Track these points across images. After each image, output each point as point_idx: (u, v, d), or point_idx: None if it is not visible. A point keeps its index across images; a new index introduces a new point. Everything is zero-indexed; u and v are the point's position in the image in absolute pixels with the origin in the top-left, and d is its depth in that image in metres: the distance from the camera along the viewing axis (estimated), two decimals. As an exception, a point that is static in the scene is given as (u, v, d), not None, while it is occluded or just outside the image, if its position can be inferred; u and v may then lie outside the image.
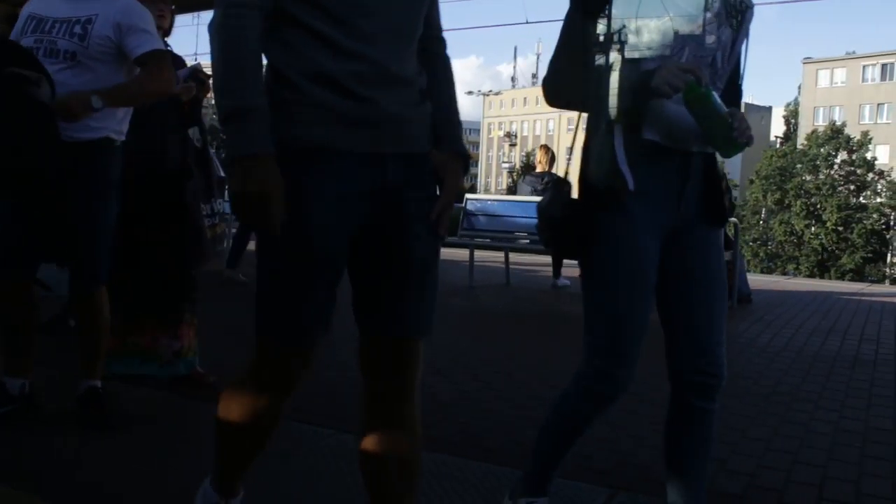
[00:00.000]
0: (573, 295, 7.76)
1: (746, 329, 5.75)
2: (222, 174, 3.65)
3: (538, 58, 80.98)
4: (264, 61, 1.49)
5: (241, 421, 1.68)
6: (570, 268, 8.70)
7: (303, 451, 2.73)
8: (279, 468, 2.53)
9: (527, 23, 26.66)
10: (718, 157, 1.93)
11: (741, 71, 1.94)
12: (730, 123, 1.74)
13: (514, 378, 3.97)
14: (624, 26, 1.77)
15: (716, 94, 1.74)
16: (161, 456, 2.57)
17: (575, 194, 1.95)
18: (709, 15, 1.74)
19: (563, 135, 70.27)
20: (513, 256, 8.59)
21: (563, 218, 1.90)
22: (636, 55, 1.76)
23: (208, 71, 3.26)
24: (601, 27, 1.80)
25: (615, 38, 1.77)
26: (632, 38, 1.75)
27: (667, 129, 1.80)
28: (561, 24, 1.91)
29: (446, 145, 1.70)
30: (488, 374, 4.02)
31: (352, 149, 1.49)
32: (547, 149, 8.23)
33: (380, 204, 1.54)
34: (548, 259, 8.53)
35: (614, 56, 1.77)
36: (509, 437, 2.98)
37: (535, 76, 79.87)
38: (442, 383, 3.70)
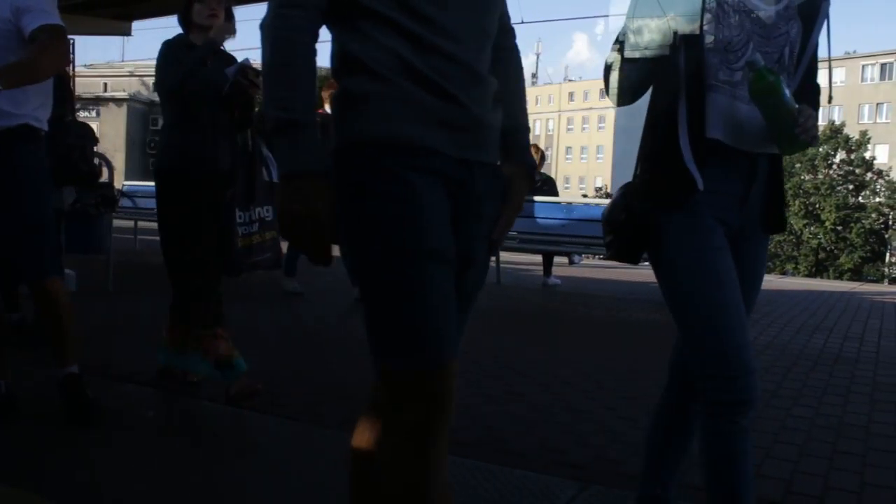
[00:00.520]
0: (564, 294, 7.80)
1: (733, 327, 5.80)
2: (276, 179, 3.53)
3: (538, 57, 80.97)
4: (324, 64, 1.38)
5: (411, 488, 1.36)
6: (561, 266, 8.76)
7: (308, 454, 2.77)
8: (288, 470, 2.57)
9: (522, 22, 26.63)
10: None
11: (829, 68, 1.84)
12: (795, 118, 1.67)
13: (501, 375, 4.02)
14: (623, 25, 1.73)
15: (786, 86, 1.68)
16: (161, 454, 2.61)
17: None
18: (708, 15, 1.70)
19: (563, 135, 70.19)
20: (504, 255, 8.63)
21: (623, 221, 1.84)
22: (636, 55, 1.73)
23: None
24: (601, 27, 1.78)
25: (615, 37, 1.74)
26: (632, 38, 1.72)
27: (731, 127, 1.73)
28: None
29: (516, 156, 1.56)
30: (474, 370, 4.06)
31: (444, 150, 1.37)
32: (536, 148, 8.26)
33: (456, 217, 1.41)
34: (539, 258, 8.57)
35: (613, 56, 1.75)
36: (486, 432, 3.02)
37: (534, 76, 79.75)
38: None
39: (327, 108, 6.03)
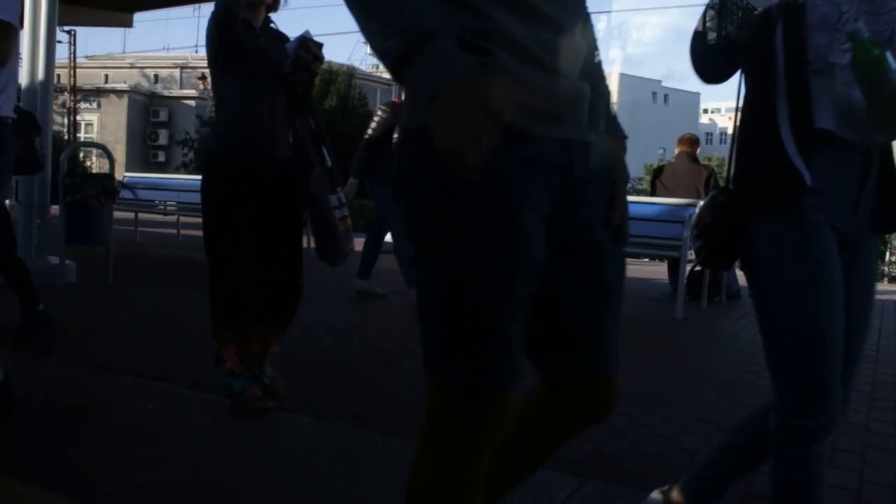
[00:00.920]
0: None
1: (732, 324, 5.81)
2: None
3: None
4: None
5: None
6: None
7: (309, 453, 2.77)
8: (288, 468, 2.58)
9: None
10: None
11: None
12: None
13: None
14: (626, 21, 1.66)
15: (893, 60, 1.50)
16: (161, 447, 2.60)
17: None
18: (711, 12, 1.61)
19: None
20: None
21: (711, 225, 1.68)
22: (640, 51, 1.71)
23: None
24: (603, 23, 1.68)
25: (616, 33, 1.69)
26: (635, 34, 1.69)
27: (844, 116, 1.55)
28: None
29: (606, 126, 1.34)
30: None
31: (543, 132, 1.18)
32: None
33: (563, 206, 1.22)
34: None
35: (615, 52, 1.71)
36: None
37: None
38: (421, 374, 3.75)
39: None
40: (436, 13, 1.05)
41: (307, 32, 2.86)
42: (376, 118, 5.98)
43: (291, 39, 2.96)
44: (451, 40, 1.04)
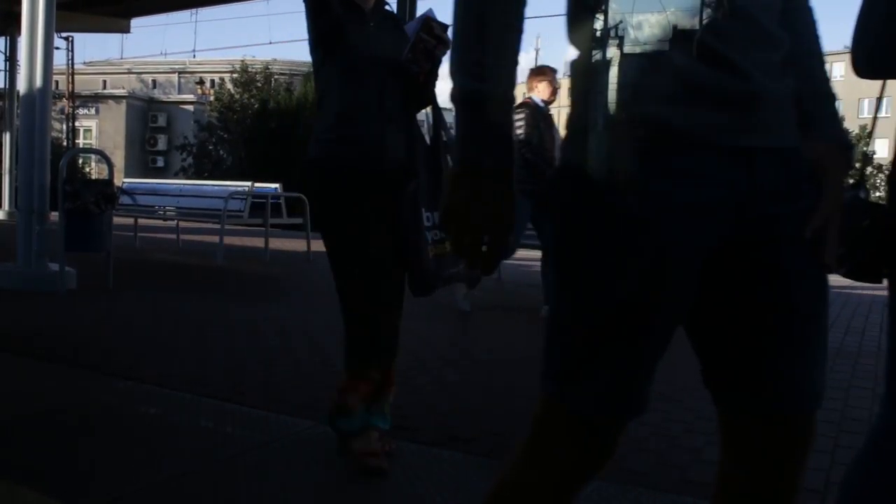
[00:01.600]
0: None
1: (733, 322, 5.78)
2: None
3: (537, 53, 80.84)
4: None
5: None
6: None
7: (309, 453, 2.77)
8: (289, 469, 2.57)
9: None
10: None
11: None
12: None
13: (501, 370, 4.02)
14: (622, 21, 1.61)
15: None
16: (161, 452, 2.60)
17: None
18: (708, 10, 1.60)
19: (563, 129, 70.13)
20: (505, 251, 8.61)
21: (867, 229, 1.45)
22: (637, 50, 1.66)
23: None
24: (599, 22, 1.66)
25: (613, 32, 1.64)
26: (632, 33, 1.64)
27: None
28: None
29: (820, 131, 1.18)
30: (474, 366, 4.06)
31: (711, 138, 1.03)
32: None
33: (743, 223, 1.07)
34: (538, 254, 8.55)
35: (612, 52, 1.67)
36: (487, 428, 3.02)
37: (534, 71, 79.77)
38: (424, 376, 3.75)
39: (532, 97, 5.70)
40: (505, 74, 1.05)
41: (430, 12, 2.45)
42: (521, 121, 5.49)
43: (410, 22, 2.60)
44: (505, 114, 1.05)
